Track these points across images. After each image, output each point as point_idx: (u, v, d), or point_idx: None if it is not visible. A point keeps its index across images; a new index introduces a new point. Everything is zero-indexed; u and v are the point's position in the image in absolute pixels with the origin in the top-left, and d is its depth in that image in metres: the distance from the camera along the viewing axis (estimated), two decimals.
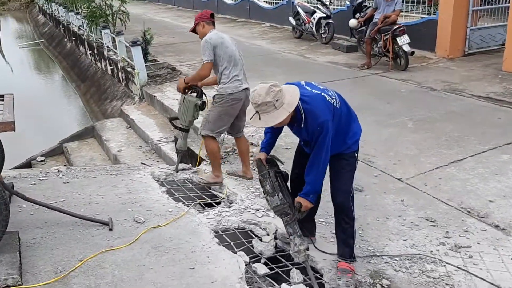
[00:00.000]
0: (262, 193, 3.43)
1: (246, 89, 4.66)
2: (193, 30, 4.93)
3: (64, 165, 7.47)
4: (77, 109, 12.93)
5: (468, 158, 5.21)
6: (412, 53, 8.93)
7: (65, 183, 4.65)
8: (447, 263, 3.45)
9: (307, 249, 3.32)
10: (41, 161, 8.36)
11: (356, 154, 3.36)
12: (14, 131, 3.24)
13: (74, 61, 16.03)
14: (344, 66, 9.82)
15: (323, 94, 3.13)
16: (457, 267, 3.40)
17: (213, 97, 4.73)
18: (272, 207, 3.32)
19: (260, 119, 3.00)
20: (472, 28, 9.99)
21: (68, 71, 16.15)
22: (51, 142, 9.16)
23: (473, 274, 3.31)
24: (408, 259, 3.52)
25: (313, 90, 3.16)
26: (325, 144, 3.06)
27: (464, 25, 9.88)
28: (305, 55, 11.04)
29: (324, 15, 11.94)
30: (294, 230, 3.29)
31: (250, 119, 3.07)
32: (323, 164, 3.14)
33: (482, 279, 3.25)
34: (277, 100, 2.94)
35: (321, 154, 3.10)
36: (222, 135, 5.34)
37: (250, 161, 5.01)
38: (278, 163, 3.55)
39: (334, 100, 3.15)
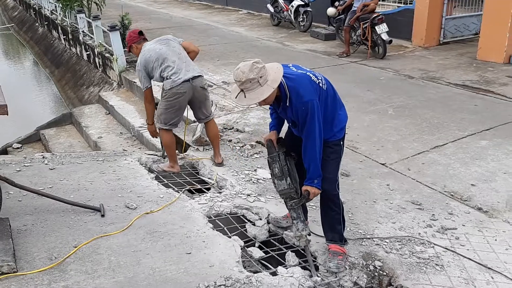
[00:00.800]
0: (270, 174, 3.38)
1: (189, 80, 4.60)
2: (130, 51, 5.03)
3: (42, 152, 7.32)
4: (51, 95, 12.63)
5: (448, 144, 5.37)
6: (390, 41, 9.09)
7: (51, 169, 4.58)
8: (435, 244, 3.58)
9: (309, 234, 3.34)
10: (18, 148, 8.17)
11: (341, 142, 3.31)
12: (7, 114, 3.17)
13: (47, 46, 15.63)
14: (323, 54, 9.90)
15: (308, 73, 3.09)
16: (445, 248, 3.52)
17: None
18: (278, 190, 3.28)
19: (245, 97, 2.95)
20: (447, 17, 10.21)
21: (41, 56, 15.73)
22: (25, 129, 8.95)
23: (461, 255, 3.44)
24: (398, 241, 3.63)
25: (299, 71, 3.12)
26: (315, 126, 3.00)
27: (440, 15, 10.10)
28: (284, 43, 11.07)
29: (303, 3, 11.97)
30: (298, 215, 3.28)
31: (235, 98, 3.00)
32: (318, 147, 3.07)
33: (469, 259, 3.39)
34: (261, 77, 2.89)
35: (313, 137, 3.04)
36: (200, 125, 5.35)
37: (247, 147, 5.03)
38: None
39: (320, 81, 3.09)
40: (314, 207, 4.07)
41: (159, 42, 4.74)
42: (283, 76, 2.97)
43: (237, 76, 2.92)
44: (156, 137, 5.23)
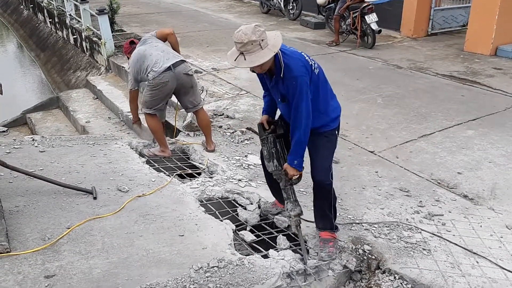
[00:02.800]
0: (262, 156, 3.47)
1: (170, 68, 4.63)
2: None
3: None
4: (37, 79, 12.46)
5: (436, 133, 5.46)
6: (380, 31, 9.13)
7: (42, 151, 4.56)
8: (422, 230, 3.67)
9: (299, 214, 3.38)
10: (3, 131, 8.07)
11: (336, 132, 3.35)
12: (1, 94, 3.15)
13: (32, 29, 15.37)
14: (312, 43, 9.93)
15: (303, 53, 3.13)
16: (432, 234, 3.61)
17: None
18: (269, 170, 3.37)
19: (245, 59, 2.92)
20: (436, 8, 10.30)
21: (26, 39, 15.47)
22: (10, 113, 8.82)
23: (447, 240, 3.53)
24: (386, 226, 3.70)
25: (294, 50, 3.16)
26: (302, 103, 3.01)
27: (429, 6, 10.18)
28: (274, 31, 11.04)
29: None
30: (288, 196, 3.35)
31: (234, 60, 2.97)
32: (304, 124, 3.06)
33: (455, 244, 3.48)
34: (262, 40, 2.88)
35: (301, 114, 3.04)
36: (189, 114, 5.36)
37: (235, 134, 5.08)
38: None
39: (312, 63, 3.12)
40: (304, 192, 4.13)
41: (140, 43, 4.86)
42: (280, 49, 2.98)
43: (239, 38, 2.88)
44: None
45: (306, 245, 3.47)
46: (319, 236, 3.49)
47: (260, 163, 4.66)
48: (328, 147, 3.31)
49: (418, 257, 3.35)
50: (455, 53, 9.01)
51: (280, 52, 3.00)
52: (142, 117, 5.30)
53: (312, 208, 3.89)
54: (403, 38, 10.28)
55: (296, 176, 3.27)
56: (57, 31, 12.83)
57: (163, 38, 4.93)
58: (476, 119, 5.83)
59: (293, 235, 3.66)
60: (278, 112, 3.49)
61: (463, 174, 4.54)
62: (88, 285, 2.82)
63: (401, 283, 3.19)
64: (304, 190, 4.16)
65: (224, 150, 4.99)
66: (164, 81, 4.61)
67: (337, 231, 3.54)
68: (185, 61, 4.82)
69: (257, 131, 5.31)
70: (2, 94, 3.14)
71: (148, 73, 4.65)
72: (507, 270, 3.22)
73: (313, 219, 3.68)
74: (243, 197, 4.08)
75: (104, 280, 2.87)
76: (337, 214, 3.68)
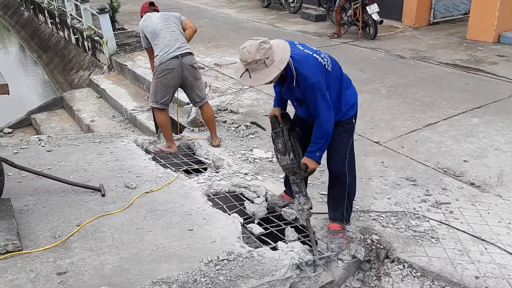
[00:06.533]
0: (274, 149, 3.39)
1: (178, 56, 4.68)
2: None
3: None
4: (40, 80, 12.49)
5: (441, 122, 5.46)
6: (381, 22, 9.12)
7: (49, 151, 4.58)
8: (430, 218, 3.67)
9: (311, 208, 3.37)
10: (9, 133, 8.12)
11: (353, 120, 3.30)
12: (8, 94, 3.17)
13: (33, 30, 15.39)
14: (314, 35, 9.91)
15: (314, 55, 3.04)
16: (440, 222, 3.62)
17: None
18: (281, 165, 3.31)
19: (250, 77, 2.90)
20: None
21: (28, 41, 15.49)
22: (15, 114, 8.86)
23: (455, 228, 3.53)
24: (393, 216, 3.71)
25: (305, 50, 3.06)
26: (323, 105, 2.99)
27: None
28: (275, 24, 11.05)
29: None
30: (300, 189, 3.32)
31: (240, 77, 2.95)
32: (328, 122, 3.05)
33: (464, 231, 3.49)
34: (267, 58, 2.84)
35: (323, 114, 3.02)
36: (194, 108, 5.37)
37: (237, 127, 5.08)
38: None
39: (326, 62, 3.05)
40: (310, 184, 4.14)
41: (160, 17, 4.87)
42: (290, 56, 2.92)
43: (243, 56, 2.86)
44: None
45: (314, 236, 3.49)
46: (328, 228, 3.50)
47: (265, 157, 4.72)
48: (344, 136, 3.27)
49: (427, 246, 3.36)
50: (458, 42, 8.98)
51: (290, 60, 2.93)
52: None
53: (318, 200, 3.93)
54: (405, 28, 10.25)
55: (315, 169, 3.24)
56: (59, 31, 12.84)
57: (184, 28, 4.98)
58: (480, 107, 5.82)
59: (301, 227, 3.67)
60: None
61: (469, 162, 4.54)
62: (100, 280, 2.84)
63: (410, 272, 3.20)
64: (311, 182, 4.17)
65: (229, 145, 5.00)
66: (170, 68, 4.65)
67: (348, 224, 3.53)
68: (192, 54, 4.87)
69: (262, 126, 5.36)
70: (8, 94, 3.16)
71: (156, 55, 4.72)
72: None
73: (319, 211, 3.71)
74: (250, 191, 4.10)
75: (115, 275, 2.89)
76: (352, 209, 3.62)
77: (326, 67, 3.07)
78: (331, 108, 3.06)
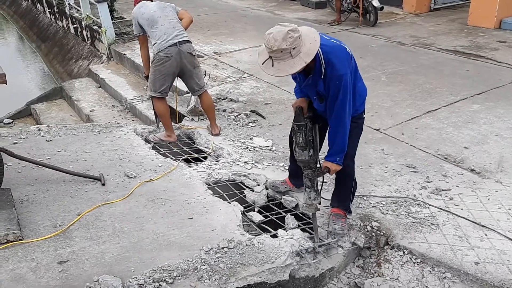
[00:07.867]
0: (292, 141, 3.25)
1: (176, 44, 4.66)
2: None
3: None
4: (39, 70, 12.45)
5: (441, 108, 5.44)
6: (382, 8, 9.05)
7: (48, 141, 4.58)
8: (430, 205, 3.67)
9: (319, 203, 3.30)
10: (9, 123, 8.11)
11: (363, 115, 3.25)
12: (6, 83, 3.16)
13: (32, 20, 15.31)
14: (314, 23, 9.84)
15: (342, 45, 2.89)
16: (440, 208, 3.62)
17: None
18: (298, 159, 3.17)
19: (273, 65, 2.71)
20: None
21: (27, 31, 15.42)
22: (15, 104, 8.85)
23: (455, 214, 3.54)
24: (393, 203, 3.71)
25: (332, 40, 2.91)
26: (345, 101, 2.87)
27: None
28: (274, 12, 10.98)
29: None
30: (312, 184, 3.22)
31: (262, 64, 2.75)
32: (347, 122, 2.96)
33: (464, 218, 3.49)
34: (294, 48, 2.63)
35: (344, 113, 2.91)
36: (194, 97, 5.35)
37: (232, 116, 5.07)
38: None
39: (351, 54, 2.94)
40: None
41: (157, 6, 4.85)
42: (320, 45, 2.74)
43: (268, 43, 2.66)
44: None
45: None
46: (331, 212, 3.50)
47: (265, 145, 4.71)
48: (355, 133, 3.20)
49: (427, 232, 3.36)
50: (459, 28, 8.92)
51: (320, 50, 2.76)
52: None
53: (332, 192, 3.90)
54: (405, 14, 10.18)
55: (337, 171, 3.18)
56: (57, 21, 12.77)
57: (180, 18, 4.97)
58: (481, 93, 5.80)
59: (301, 214, 3.68)
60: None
61: (469, 148, 4.53)
62: (101, 269, 2.85)
63: (410, 258, 3.21)
64: None
65: (229, 134, 4.99)
66: (168, 55, 4.64)
67: (350, 215, 3.55)
68: (191, 42, 4.85)
69: (261, 114, 5.32)
70: (6, 83, 3.15)
71: (154, 43, 4.70)
72: None
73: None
74: (250, 179, 4.10)
75: (116, 264, 2.90)
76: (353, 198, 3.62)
77: (352, 59, 2.97)
78: (350, 108, 2.94)
